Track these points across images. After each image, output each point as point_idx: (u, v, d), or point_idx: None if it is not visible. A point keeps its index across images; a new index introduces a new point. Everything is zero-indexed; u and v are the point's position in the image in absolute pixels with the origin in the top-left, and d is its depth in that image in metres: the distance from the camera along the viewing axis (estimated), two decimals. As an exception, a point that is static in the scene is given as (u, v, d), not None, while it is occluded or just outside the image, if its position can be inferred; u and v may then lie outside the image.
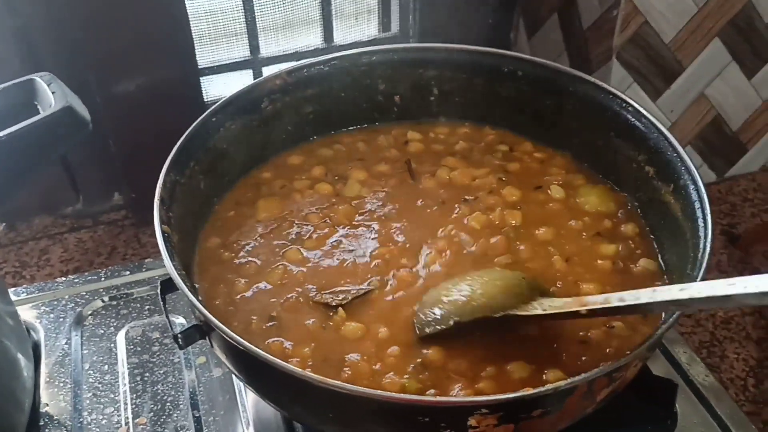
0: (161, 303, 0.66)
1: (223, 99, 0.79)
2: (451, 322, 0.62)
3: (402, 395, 0.55)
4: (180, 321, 0.85)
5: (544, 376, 0.60)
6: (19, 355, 0.68)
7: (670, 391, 0.71)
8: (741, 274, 1.15)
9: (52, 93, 0.59)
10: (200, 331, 0.62)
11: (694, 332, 1.04)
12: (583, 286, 0.68)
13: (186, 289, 0.59)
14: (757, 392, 0.95)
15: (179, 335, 0.62)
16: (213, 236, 0.74)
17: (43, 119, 0.56)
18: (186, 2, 1.16)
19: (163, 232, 0.64)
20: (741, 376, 0.97)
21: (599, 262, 0.71)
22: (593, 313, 0.57)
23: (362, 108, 0.88)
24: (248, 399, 0.77)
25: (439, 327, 0.62)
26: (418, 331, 0.64)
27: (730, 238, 1.19)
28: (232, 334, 0.56)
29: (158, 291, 0.66)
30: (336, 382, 0.52)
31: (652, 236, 0.74)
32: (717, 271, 1.17)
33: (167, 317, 0.63)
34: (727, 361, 0.99)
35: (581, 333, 0.64)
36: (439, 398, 0.53)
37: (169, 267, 0.61)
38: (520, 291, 0.63)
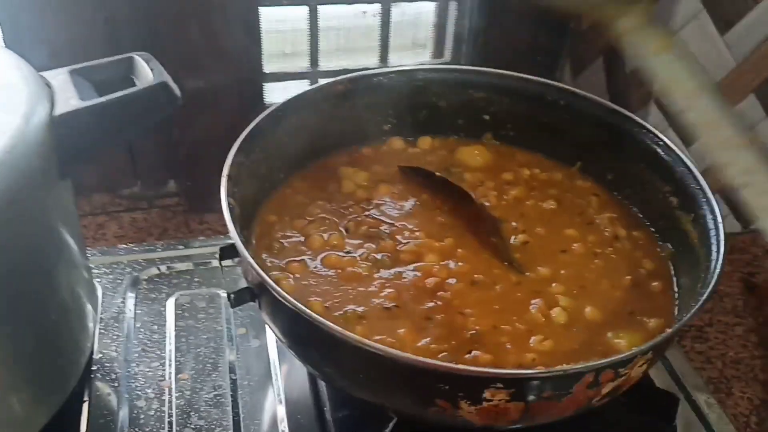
0: (219, 266, 0.73)
1: (288, 98, 0.87)
2: None
3: (428, 360, 0.61)
4: (222, 294, 0.92)
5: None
6: (88, 305, 0.76)
7: (672, 405, 0.77)
8: (756, 320, 1.20)
9: (151, 69, 0.68)
10: (251, 293, 0.70)
11: (704, 368, 1.08)
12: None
13: (246, 253, 0.66)
14: (758, 430, 0.99)
15: (232, 294, 0.70)
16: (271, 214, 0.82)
17: (143, 89, 0.65)
18: (259, 14, 1.27)
19: (228, 204, 0.72)
20: (745, 413, 1.02)
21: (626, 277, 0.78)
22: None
23: (414, 120, 0.96)
24: (281, 369, 0.84)
25: None
26: None
27: (748, 287, 1.24)
28: (283, 293, 0.63)
29: (217, 257, 0.74)
30: (372, 342, 0.59)
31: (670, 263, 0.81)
32: (733, 314, 1.22)
33: (223, 279, 0.71)
34: (732, 398, 1.03)
35: None
36: (459, 365, 0.59)
37: (233, 233, 0.68)
38: None
